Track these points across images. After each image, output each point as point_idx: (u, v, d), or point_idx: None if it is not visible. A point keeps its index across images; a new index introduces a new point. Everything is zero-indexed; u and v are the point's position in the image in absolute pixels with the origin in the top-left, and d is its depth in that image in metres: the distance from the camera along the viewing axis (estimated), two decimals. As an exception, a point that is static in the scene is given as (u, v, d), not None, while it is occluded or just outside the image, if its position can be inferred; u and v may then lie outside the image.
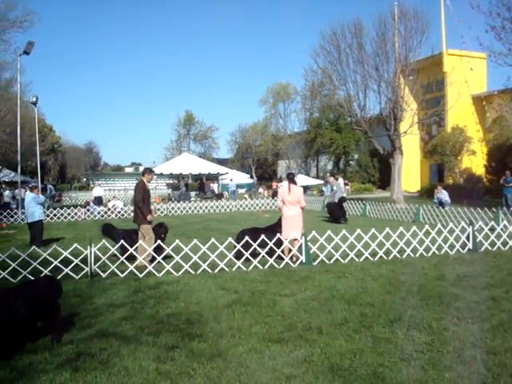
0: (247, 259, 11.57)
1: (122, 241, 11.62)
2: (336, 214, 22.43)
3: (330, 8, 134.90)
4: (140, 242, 11.80)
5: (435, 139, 45.69)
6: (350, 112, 34.08)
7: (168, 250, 11.59)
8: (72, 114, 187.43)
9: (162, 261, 11.44)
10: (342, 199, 23.97)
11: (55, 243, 14.05)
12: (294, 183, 12.80)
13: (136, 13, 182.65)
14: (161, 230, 12.83)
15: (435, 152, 44.86)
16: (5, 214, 27.61)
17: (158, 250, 11.75)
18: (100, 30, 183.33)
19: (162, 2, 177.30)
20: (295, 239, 12.14)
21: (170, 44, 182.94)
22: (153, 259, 11.67)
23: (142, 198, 12.18)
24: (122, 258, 11.33)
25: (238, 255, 11.74)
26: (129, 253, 11.46)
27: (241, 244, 11.73)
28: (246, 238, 11.77)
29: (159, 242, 11.79)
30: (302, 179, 52.49)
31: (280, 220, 12.82)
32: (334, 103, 51.81)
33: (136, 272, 10.84)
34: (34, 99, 40.28)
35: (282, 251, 12.00)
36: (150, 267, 11.18)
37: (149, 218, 12.10)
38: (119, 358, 5.99)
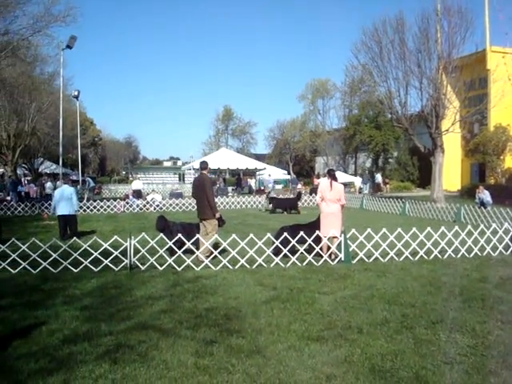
0: (286, 255, 11.49)
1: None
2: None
3: (371, 3, 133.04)
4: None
5: (477, 138, 44.84)
6: (391, 109, 33.64)
7: (206, 244, 11.57)
8: (112, 108, 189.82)
9: (200, 255, 11.49)
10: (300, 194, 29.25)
11: (95, 235, 14.18)
12: (336, 180, 12.59)
13: (175, 6, 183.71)
14: (220, 223, 12.67)
15: (477, 151, 44.04)
16: (46, 205, 28.04)
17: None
18: (139, 24, 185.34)
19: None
20: (334, 237, 12.00)
21: (209, 38, 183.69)
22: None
23: (213, 194, 12.20)
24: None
25: (277, 252, 11.66)
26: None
27: (279, 240, 11.65)
28: (285, 234, 11.68)
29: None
30: (340, 176, 52.00)
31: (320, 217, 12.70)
32: (374, 100, 51.10)
33: (174, 265, 10.90)
34: (76, 93, 41.09)
35: (321, 248, 11.89)
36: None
37: (217, 215, 12.04)
38: (158, 351, 6.01)
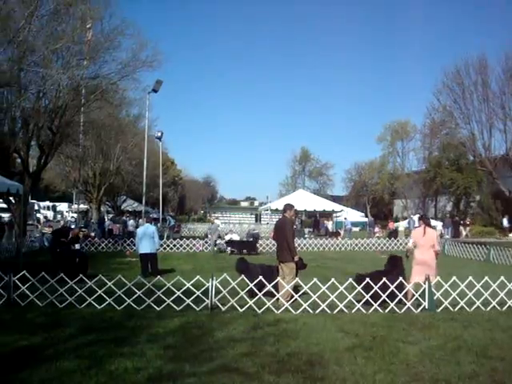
0: (367, 302, 11.27)
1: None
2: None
3: (453, 44, 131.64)
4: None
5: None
6: (474, 151, 32.97)
7: (287, 288, 11.54)
8: (192, 148, 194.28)
9: (281, 298, 11.45)
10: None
11: (176, 273, 14.44)
12: (429, 225, 12.37)
13: (249, 47, 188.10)
14: (301, 266, 12.66)
15: None
16: (128, 242, 28.85)
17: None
18: (217, 66, 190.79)
19: (280, 38, 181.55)
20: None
21: (286, 78, 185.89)
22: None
23: (293, 237, 12.30)
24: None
25: (359, 298, 11.43)
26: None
27: (361, 286, 11.43)
28: (367, 280, 11.47)
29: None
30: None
31: (395, 262, 12.42)
32: (455, 142, 50.10)
33: (254, 307, 10.91)
34: (160, 134, 42.44)
35: (405, 296, 11.57)
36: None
37: (296, 258, 12.07)
38: (242, 395, 5.98)
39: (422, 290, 11.50)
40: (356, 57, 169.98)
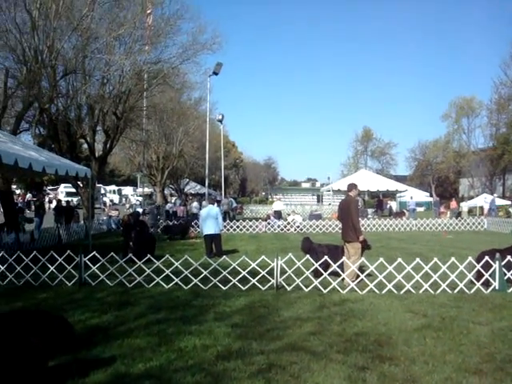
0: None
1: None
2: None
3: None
4: (344, 258, 11.73)
5: None
6: (545, 127, 31.57)
7: (353, 267, 11.45)
8: (253, 130, 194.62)
9: (346, 278, 11.38)
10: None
11: (240, 254, 14.57)
12: None
13: (309, 30, 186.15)
14: (365, 247, 12.49)
15: None
16: (192, 223, 29.28)
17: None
18: (277, 49, 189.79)
19: (338, 19, 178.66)
20: None
21: (347, 59, 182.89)
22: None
23: (358, 217, 12.19)
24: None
25: (478, 277, 11.20)
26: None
27: (480, 264, 11.14)
28: (486, 258, 11.19)
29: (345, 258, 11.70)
30: (489, 199, 49.16)
31: None
32: (524, 117, 48.30)
33: (320, 287, 10.89)
34: (220, 117, 42.78)
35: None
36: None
37: (361, 238, 11.95)
38: (310, 373, 5.99)
39: (492, 269, 11.16)
40: (419, 32, 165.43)
